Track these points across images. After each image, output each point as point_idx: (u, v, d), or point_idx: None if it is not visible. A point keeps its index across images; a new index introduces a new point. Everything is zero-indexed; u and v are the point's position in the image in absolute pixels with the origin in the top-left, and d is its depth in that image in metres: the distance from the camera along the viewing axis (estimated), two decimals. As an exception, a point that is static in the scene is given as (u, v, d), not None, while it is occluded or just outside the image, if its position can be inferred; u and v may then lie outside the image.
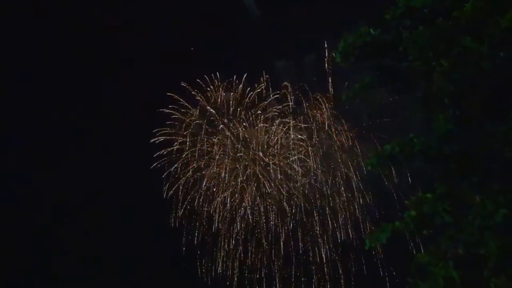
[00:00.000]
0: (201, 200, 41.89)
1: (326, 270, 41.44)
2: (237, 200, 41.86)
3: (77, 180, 40.19)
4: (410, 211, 9.47)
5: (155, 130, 41.97)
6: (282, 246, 41.82)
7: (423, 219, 9.44)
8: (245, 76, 42.03)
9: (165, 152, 41.99)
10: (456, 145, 9.21)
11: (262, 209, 41.79)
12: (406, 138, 9.64)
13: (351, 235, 40.58)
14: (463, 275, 9.07)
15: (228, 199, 41.88)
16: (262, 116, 42.68)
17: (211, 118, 42.23)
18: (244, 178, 41.82)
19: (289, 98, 42.25)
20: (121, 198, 39.10)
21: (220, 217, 41.93)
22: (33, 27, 40.76)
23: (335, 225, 41.41)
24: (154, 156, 41.94)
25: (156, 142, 41.89)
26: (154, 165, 41.66)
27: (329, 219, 41.47)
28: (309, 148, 41.95)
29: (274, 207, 41.82)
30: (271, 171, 42.12)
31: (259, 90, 41.81)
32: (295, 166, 42.04)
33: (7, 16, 39.59)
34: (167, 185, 41.47)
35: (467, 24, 8.97)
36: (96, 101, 42.11)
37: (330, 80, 39.98)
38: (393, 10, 9.85)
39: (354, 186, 41.72)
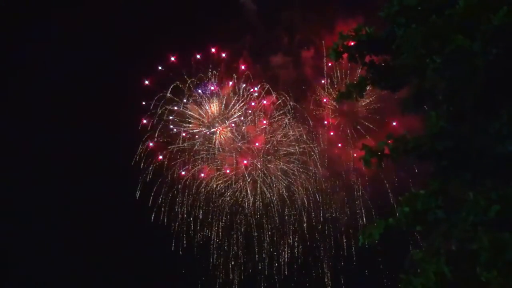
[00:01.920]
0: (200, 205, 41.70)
1: (326, 269, 41.55)
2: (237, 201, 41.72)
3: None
4: (403, 207, 9.53)
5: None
6: (285, 249, 41.91)
7: (416, 216, 9.48)
8: (245, 74, 42.11)
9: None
10: (449, 142, 9.27)
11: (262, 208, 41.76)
12: (400, 135, 9.71)
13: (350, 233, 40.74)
14: (456, 271, 9.14)
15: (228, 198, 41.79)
16: (260, 113, 42.76)
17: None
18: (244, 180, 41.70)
19: (287, 97, 42.39)
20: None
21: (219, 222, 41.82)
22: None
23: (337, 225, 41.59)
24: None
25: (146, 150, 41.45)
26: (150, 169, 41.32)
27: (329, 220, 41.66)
28: (307, 146, 42.03)
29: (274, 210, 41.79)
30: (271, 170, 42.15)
31: (258, 87, 41.89)
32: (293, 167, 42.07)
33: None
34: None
35: (460, 21, 9.02)
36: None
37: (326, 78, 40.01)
38: (387, 8, 9.90)
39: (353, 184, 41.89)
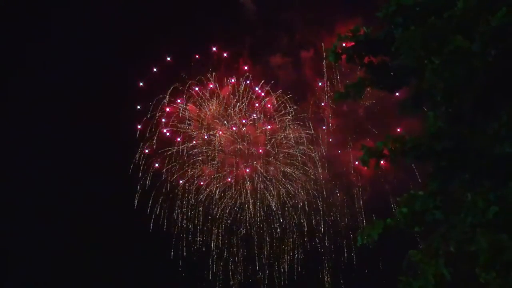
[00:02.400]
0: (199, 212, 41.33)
1: (326, 272, 41.44)
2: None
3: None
4: (401, 208, 9.53)
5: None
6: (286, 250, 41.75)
7: (415, 216, 9.49)
8: (245, 75, 42.06)
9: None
10: (448, 142, 9.26)
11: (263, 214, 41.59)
12: (398, 135, 9.70)
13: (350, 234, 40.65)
14: (454, 272, 9.13)
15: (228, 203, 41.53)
16: (260, 114, 42.68)
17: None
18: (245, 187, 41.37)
19: (287, 99, 42.31)
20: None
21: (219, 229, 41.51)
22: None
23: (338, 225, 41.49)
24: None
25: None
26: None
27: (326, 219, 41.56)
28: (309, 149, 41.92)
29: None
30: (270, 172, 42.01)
31: (258, 87, 41.81)
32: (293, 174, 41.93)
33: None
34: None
35: (459, 22, 9.01)
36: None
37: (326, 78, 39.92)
38: (385, 8, 9.91)
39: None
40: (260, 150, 41.99)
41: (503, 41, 8.60)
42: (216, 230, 41.50)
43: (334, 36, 10.50)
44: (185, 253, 40.71)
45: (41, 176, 38.58)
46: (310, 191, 41.99)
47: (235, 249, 41.53)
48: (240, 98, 42.24)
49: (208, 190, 41.36)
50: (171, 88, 40.99)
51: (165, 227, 40.21)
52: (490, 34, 8.60)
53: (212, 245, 41.23)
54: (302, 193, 42.09)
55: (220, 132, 41.98)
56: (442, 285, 9.17)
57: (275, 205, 41.55)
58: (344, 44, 10.43)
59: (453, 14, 9.06)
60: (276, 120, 42.68)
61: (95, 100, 38.94)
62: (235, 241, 41.75)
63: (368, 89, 10.98)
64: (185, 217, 40.93)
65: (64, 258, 38.25)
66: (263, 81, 42.08)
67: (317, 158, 42.06)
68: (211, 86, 41.75)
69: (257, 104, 42.21)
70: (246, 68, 42.42)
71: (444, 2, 9.45)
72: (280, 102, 42.19)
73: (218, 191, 41.32)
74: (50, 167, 38.88)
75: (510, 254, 8.16)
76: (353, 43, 10.33)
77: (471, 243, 8.83)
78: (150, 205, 40.00)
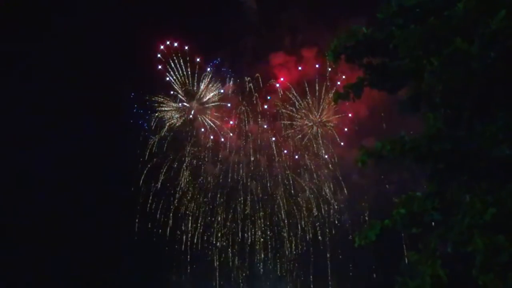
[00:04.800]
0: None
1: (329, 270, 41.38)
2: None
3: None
4: (399, 209, 9.54)
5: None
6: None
7: (413, 217, 9.51)
8: (251, 78, 42.00)
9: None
10: (446, 144, 9.26)
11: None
12: (397, 136, 9.69)
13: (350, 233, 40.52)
14: (452, 273, 9.13)
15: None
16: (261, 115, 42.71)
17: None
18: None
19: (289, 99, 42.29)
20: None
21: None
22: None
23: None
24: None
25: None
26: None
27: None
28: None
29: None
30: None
31: (259, 88, 41.81)
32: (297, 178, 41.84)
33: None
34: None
35: (458, 24, 9.02)
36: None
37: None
38: (386, 9, 9.92)
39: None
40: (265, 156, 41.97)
41: (502, 43, 8.60)
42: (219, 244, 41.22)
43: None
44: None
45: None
46: (314, 190, 41.97)
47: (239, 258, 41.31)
48: (244, 97, 42.25)
49: (210, 197, 41.22)
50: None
51: (166, 248, 39.89)
52: (490, 37, 8.60)
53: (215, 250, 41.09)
54: (306, 195, 42.06)
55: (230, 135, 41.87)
56: (438, 285, 9.18)
57: (277, 214, 41.41)
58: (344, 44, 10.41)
59: (452, 14, 9.05)
60: (280, 120, 42.71)
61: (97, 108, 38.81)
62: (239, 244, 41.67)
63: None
64: (188, 241, 40.74)
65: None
66: (267, 83, 42.09)
67: (321, 158, 42.03)
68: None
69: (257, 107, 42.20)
70: (246, 68, 42.44)
71: (444, 3, 9.45)
72: (282, 104, 42.21)
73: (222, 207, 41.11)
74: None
75: (506, 256, 8.17)
76: (352, 43, 10.31)
77: (468, 244, 8.84)
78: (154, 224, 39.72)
